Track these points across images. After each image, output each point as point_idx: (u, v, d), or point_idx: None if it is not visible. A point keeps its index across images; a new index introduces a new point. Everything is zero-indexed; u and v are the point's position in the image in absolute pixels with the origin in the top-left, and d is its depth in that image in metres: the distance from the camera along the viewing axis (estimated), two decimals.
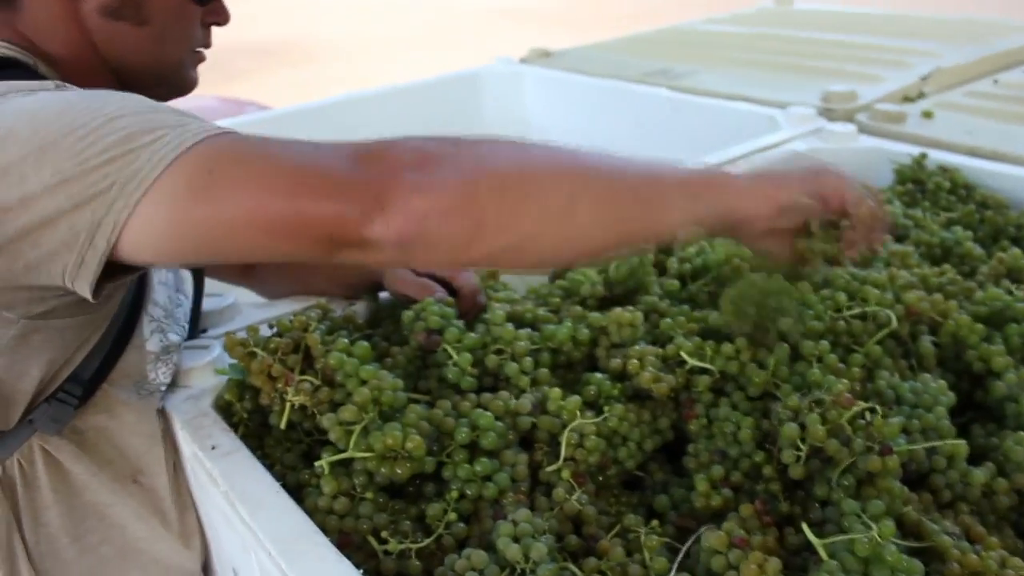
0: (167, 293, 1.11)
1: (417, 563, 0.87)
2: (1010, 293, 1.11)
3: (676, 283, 1.23)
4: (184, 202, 0.76)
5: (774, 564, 0.76)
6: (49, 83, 0.89)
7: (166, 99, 1.04)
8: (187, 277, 1.20)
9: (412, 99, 2.48)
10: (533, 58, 2.66)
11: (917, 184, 1.56)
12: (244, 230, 0.77)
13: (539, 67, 2.58)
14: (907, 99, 2.02)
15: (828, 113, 1.91)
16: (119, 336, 1.02)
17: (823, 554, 0.76)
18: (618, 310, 1.09)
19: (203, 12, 1.05)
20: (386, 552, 0.87)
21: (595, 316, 1.10)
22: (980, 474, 0.88)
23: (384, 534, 0.88)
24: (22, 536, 1.00)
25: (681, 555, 0.85)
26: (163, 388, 1.06)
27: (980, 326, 1.05)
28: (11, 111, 0.82)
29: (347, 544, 0.88)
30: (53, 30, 0.97)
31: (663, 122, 2.19)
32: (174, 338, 1.09)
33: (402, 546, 0.87)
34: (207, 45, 1.09)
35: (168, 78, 1.05)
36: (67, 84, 0.91)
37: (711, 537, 0.81)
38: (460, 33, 10.14)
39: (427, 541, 0.88)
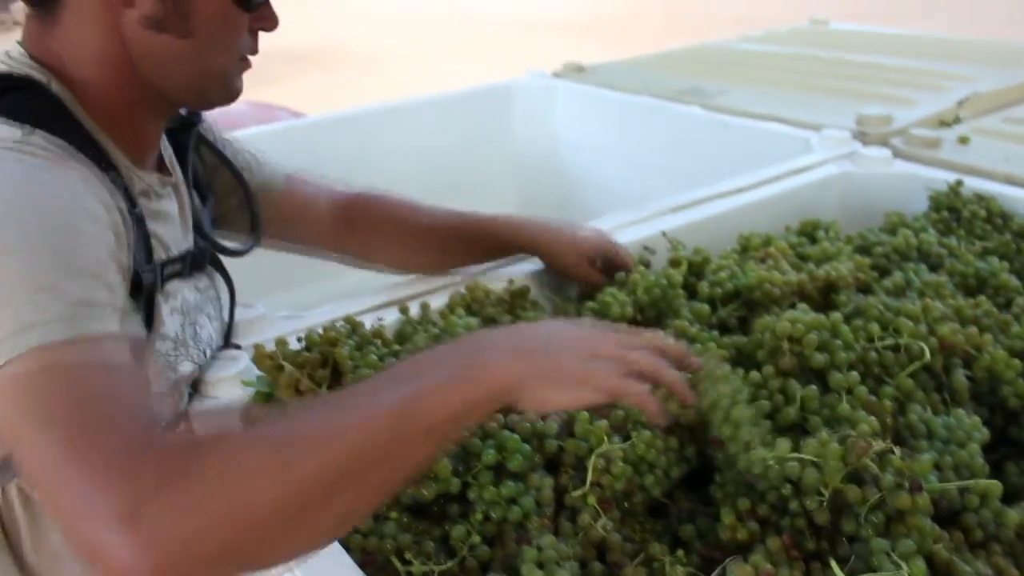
0: (180, 322, 1.05)
1: None
2: None
3: (706, 307, 1.23)
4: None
5: None
6: (10, 132, 0.86)
7: (210, 109, 1.07)
8: (219, 293, 1.19)
9: (444, 110, 2.50)
10: (566, 72, 2.66)
11: (952, 212, 1.55)
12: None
13: (571, 82, 2.58)
14: (943, 124, 2.00)
15: (862, 137, 1.90)
16: None
17: None
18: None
19: (251, 18, 1.00)
20: (409, 573, 0.87)
21: None
22: (1014, 514, 0.87)
23: (408, 555, 0.87)
24: (21, 557, 0.98)
25: None
26: (164, 423, 1.03)
27: (1016, 361, 1.03)
28: None
29: (370, 563, 0.88)
30: (89, 46, 0.94)
31: (696, 141, 2.19)
32: (186, 368, 1.05)
33: (425, 568, 0.87)
34: (254, 52, 1.04)
35: (211, 89, 1.02)
36: (35, 132, 0.87)
37: (737, 570, 0.80)
38: (490, 44, 10.17)
39: (450, 563, 0.88)
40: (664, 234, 1.46)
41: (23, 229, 0.77)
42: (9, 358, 0.70)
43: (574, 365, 0.78)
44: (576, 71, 2.66)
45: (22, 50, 0.96)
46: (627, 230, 1.49)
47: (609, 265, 1.31)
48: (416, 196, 2.33)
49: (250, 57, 1.04)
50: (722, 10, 11.52)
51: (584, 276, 1.32)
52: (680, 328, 1.15)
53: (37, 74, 0.93)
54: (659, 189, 1.72)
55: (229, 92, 1.03)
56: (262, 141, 2.19)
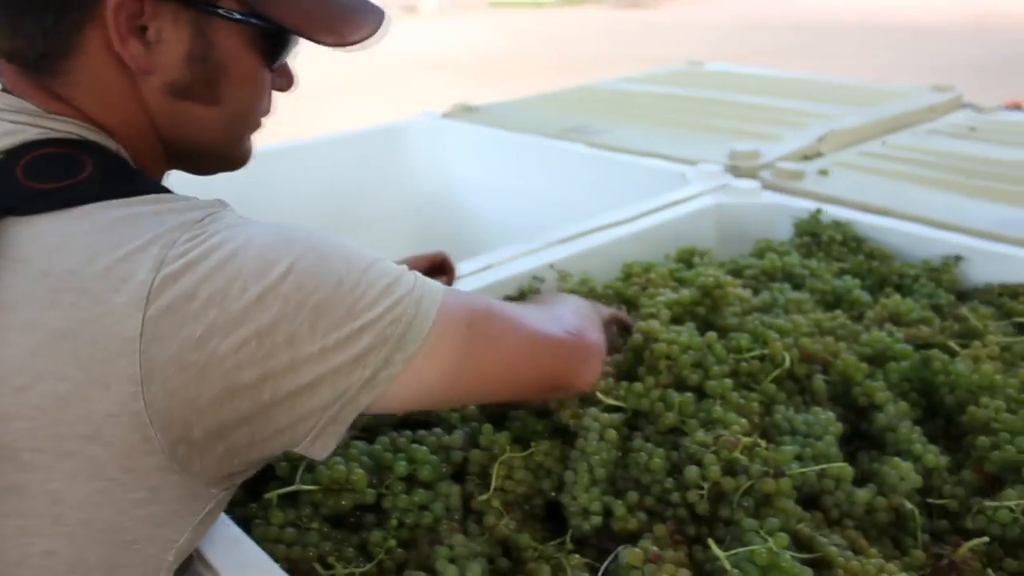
0: None
1: None
2: (891, 335, 1.24)
3: None
4: (454, 357, 0.80)
5: (685, 574, 0.86)
6: (215, 202, 0.80)
7: (221, 172, 0.97)
8: None
9: (340, 149, 2.55)
10: (456, 112, 2.76)
11: (813, 237, 1.70)
12: (495, 386, 0.89)
13: (462, 121, 2.68)
14: (805, 158, 2.17)
15: (734, 170, 2.06)
16: None
17: (727, 564, 0.86)
18: None
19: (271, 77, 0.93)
20: None
21: None
22: (863, 494, 0.99)
23: (331, 560, 0.94)
24: None
25: (602, 570, 0.93)
26: None
27: (865, 365, 1.17)
28: (249, 253, 0.73)
29: (295, 572, 0.94)
30: (109, 105, 0.83)
31: (581, 177, 2.30)
32: None
33: (347, 571, 0.94)
34: (268, 112, 0.96)
35: (229, 153, 0.95)
36: (226, 204, 0.81)
37: (628, 554, 0.90)
38: (382, 82, 10.26)
39: (369, 566, 0.95)
40: (552, 266, 1.56)
41: (335, 238, 0.80)
42: (439, 304, 0.80)
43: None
44: (466, 111, 2.76)
45: (33, 106, 0.81)
46: (517, 262, 1.58)
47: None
48: None
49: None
50: (603, 50, 11.89)
51: None
52: None
53: (104, 141, 0.83)
54: (547, 222, 1.82)
55: (243, 155, 0.97)
56: None
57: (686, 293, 1.32)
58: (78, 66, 0.80)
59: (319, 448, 0.77)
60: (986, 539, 0.94)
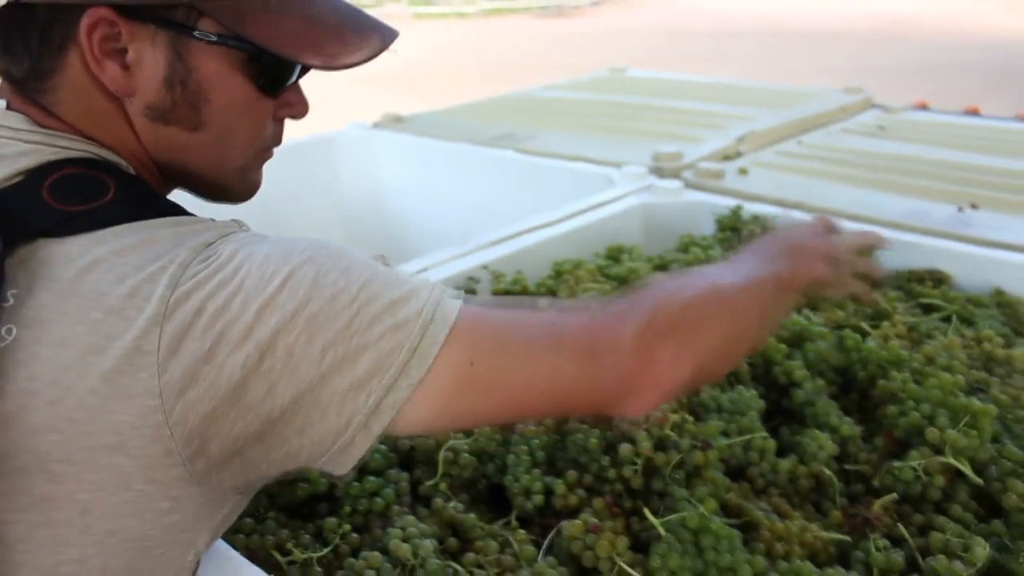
0: None
1: (319, 570, 0.98)
2: (808, 319, 1.32)
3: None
4: (461, 384, 0.75)
5: (623, 541, 0.92)
6: (232, 223, 0.81)
7: (228, 204, 0.94)
8: None
9: (270, 161, 2.56)
10: (385, 123, 2.79)
11: (734, 232, 1.78)
12: (511, 411, 0.82)
13: (391, 131, 2.71)
14: (726, 158, 2.26)
15: (658, 171, 2.13)
16: None
17: (661, 530, 0.92)
18: None
19: (276, 104, 0.88)
20: (291, 562, 0.98)
21: None
22: (786, 463, 1.07)
23: (288, 546, 0.99)
24: None
25: (546, 544, 0.99)
26: None
27: (783, 346, 1.25)
28: (250, 267, 0.73)
29: (254, 559, 0.98)
30: (100, 124, 0.82)
31: (510, 182, 2.36)
32: None
33: (304, 556, 0.98)
34: (277, 142, 0.93)
35: (229, 184, 0.91)
36: (243, 223, 0.82)
37: (570, 527, 0.96)
38: (307, 94, 10.22)
39: (326, 551, 1.00)
40: (486, 267, 1.62)
41: (347, 251, 0.77)
42: (449, 327, 0.75)
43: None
44: (395, 121, 2.79)
45: (38, 126, 0.81)
46: (452, 264, 1.63)
47: None
48: None
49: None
50: (529, 59, 12.02)
51: None
52: None
53: (114, 158, 0.83)
54: (479, 227, 1.87)
55: (248, 187, 0.93)
56: None
57: (607, 286, 1.39)
58: (63, 85, 0.80)
59: (338, 467, 0.76)
60: (895, 496, 1.02)
